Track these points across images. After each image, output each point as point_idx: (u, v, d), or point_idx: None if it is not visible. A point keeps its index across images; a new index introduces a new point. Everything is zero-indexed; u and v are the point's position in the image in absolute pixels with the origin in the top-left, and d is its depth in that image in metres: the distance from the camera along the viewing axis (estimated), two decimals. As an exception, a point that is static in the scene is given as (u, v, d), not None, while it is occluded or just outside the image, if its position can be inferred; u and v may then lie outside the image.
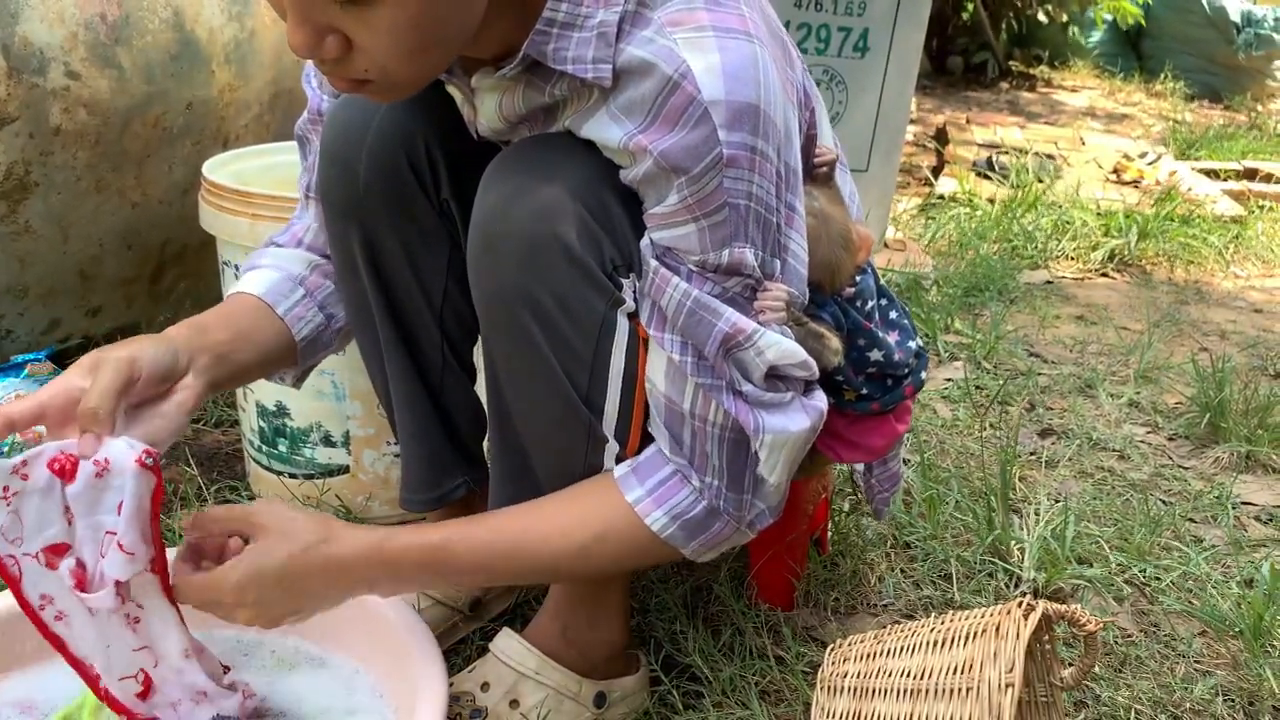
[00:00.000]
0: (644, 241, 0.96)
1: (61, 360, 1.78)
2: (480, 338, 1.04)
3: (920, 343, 1.16)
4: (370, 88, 0.89)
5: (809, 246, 1.01)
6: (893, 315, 1.15)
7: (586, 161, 0.94)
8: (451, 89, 1.03)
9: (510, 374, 1.01)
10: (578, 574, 1.08)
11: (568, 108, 0.95)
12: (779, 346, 0.95)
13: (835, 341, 1.04)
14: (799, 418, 0.99)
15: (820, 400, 1.02)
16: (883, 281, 1.17)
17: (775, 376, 0.98)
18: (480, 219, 0.97)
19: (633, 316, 0.97)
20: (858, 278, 1.10)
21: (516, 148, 0.99)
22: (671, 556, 1.04)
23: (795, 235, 0.98)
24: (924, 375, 1.16)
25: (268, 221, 1.43)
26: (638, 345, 0.98)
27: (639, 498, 1.00)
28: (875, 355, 1.10)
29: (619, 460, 1.03)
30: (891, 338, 1.13)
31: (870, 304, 1.12)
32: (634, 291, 0.97)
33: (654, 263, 0.95)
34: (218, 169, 1.59)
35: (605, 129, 0.92)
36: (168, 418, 0.97)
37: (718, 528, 1.02)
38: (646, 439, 1.03)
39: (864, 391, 1.12)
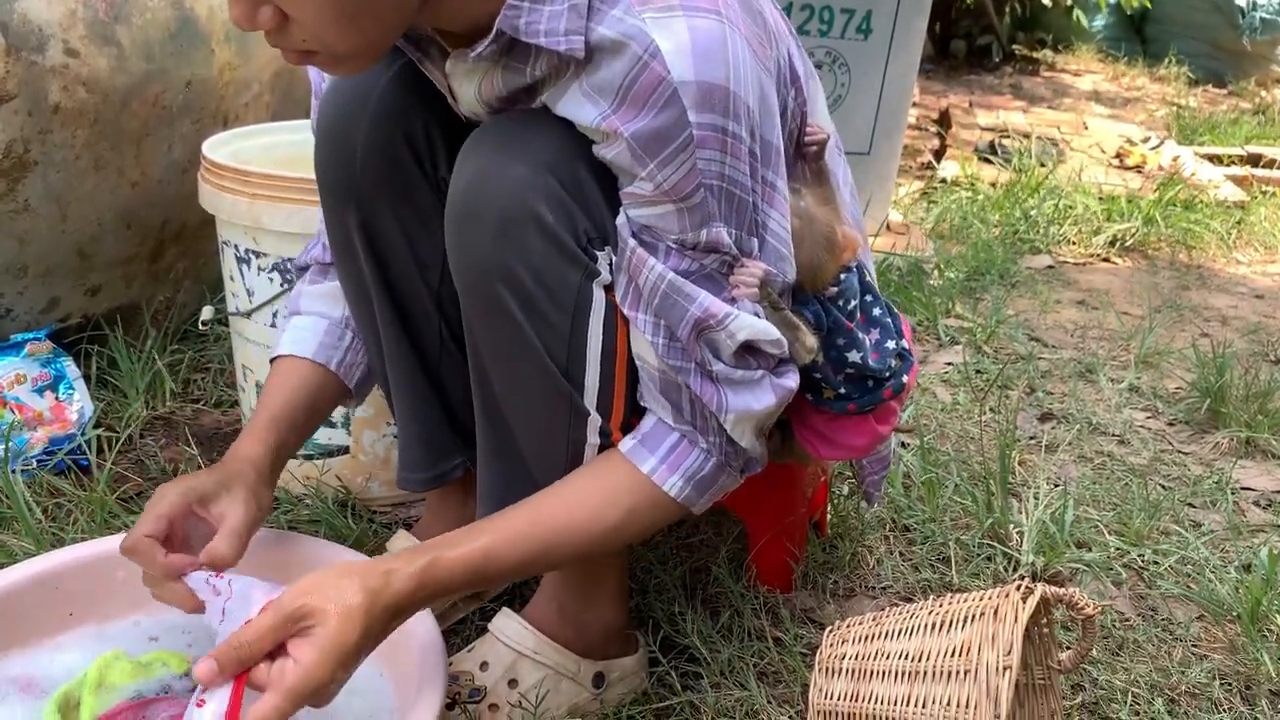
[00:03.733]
0: (620, 219, 0.96)
1: (60, 339, 1.77)
2: (462, 314, 1.04)
3: (904, 345, 1.15)
4: (317, 59, 0.90)
5: (794, 248, 1.01)
6: (875, 313, 1.14)
7: (559, 135, 0.94)
8: (428, 73, 1.02)
9: (490, 349, 1.02)
10: (609, 551, 1.09)
11: (545, 86, 0.95)
12: (751, 328, 0.96)
13: (810, 340, 1.04)
14: (765, 396, 1.00)
15: (790, 379, 1.02)
16: (869, 278, 1.16)
17: (747, 352, 0.98)
18: (455, 195, 0.97)
19: (609, 289, 0.98)
20: (841, 276, 1.10)
21: (490, 124, 0.99)
22: (684, 514, 1.06)
23: (775, 213, 0.98)
24: (906, 379, 1.14)
25: (267, 201, 1.43)
26: (615, 318, 0.98)
27: (654, 467, 1.01)
28: (853, 356, 1.09)
29: (602, 433, 1.03)
30: (871, 336, 1.12)
31: (853, 303, 1.11)
32: (610, 264, 0.97)
33: (631, 241, 0.95)
34: (217, 148, 1.59)
35: (580, 108, 0.92)
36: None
37: (724, 480, 1.04)
38: (630, 410, 1.04)
39: (842, 391, 1.11)
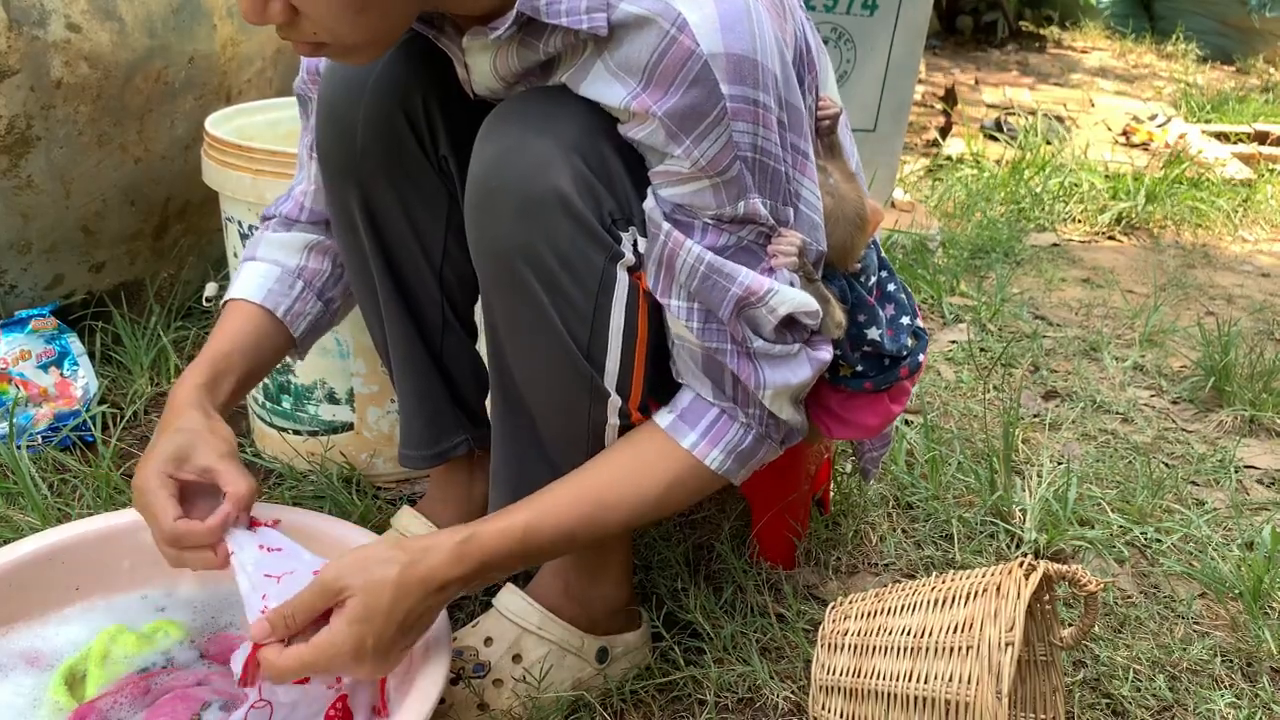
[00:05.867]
0: (649, 203, 0.95)
1: (65, 316, 1.78)
2: (480, 294, 1.04)
3: (919, 323, 1.15)
4: (327, 50, 0.90)
5: (826, 228, 1.01)
6: (890, 288, 1.14)
7: (583, 114, 0.93)
8: (443, 49, 1.02)
9: (510, 329, 1.01)
10: (651, 523, 1.10)
11: (563, 63, 0.94)
12: (792, 301, 0.96)
13: (839, 315, 1.04)
14: (802, 369, 1.00)
15: (824, 351, 1.02)
16: (883, 253, 1.16)
17: (785, 326, 0.98)
18: (477, 173, 0.96)
19: (632, 270, 0.97)
20: (863, 252, 1.10)
21: (513, 101, 0.98)
22: (724, 485, 1.07)
23: (806, 181, 0.98)
24: (921, 358, 1.15)
25: (270, 177, 1.43)
26: (638, 299, 0.98)
27: (695, 442, 1.01)
28: (873, 334, 1.09)
29: (621, 414, 1.03)
30: (886, 312, 1.12)
31: (872, 279, 1.11)
32: (633, 245, 0.96)
33: (665, 225, 0.94)
34: (220, 124, 1.58)
35: (606, 88, 0.91)
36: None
37: (764, 452, 1.05)
38: (649, 392, 1.04)
39: (859, 369, 1.11)
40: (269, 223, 1.26)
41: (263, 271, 1.21)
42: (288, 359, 1.27)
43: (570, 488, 1.01)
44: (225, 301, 1.20)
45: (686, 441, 1.01)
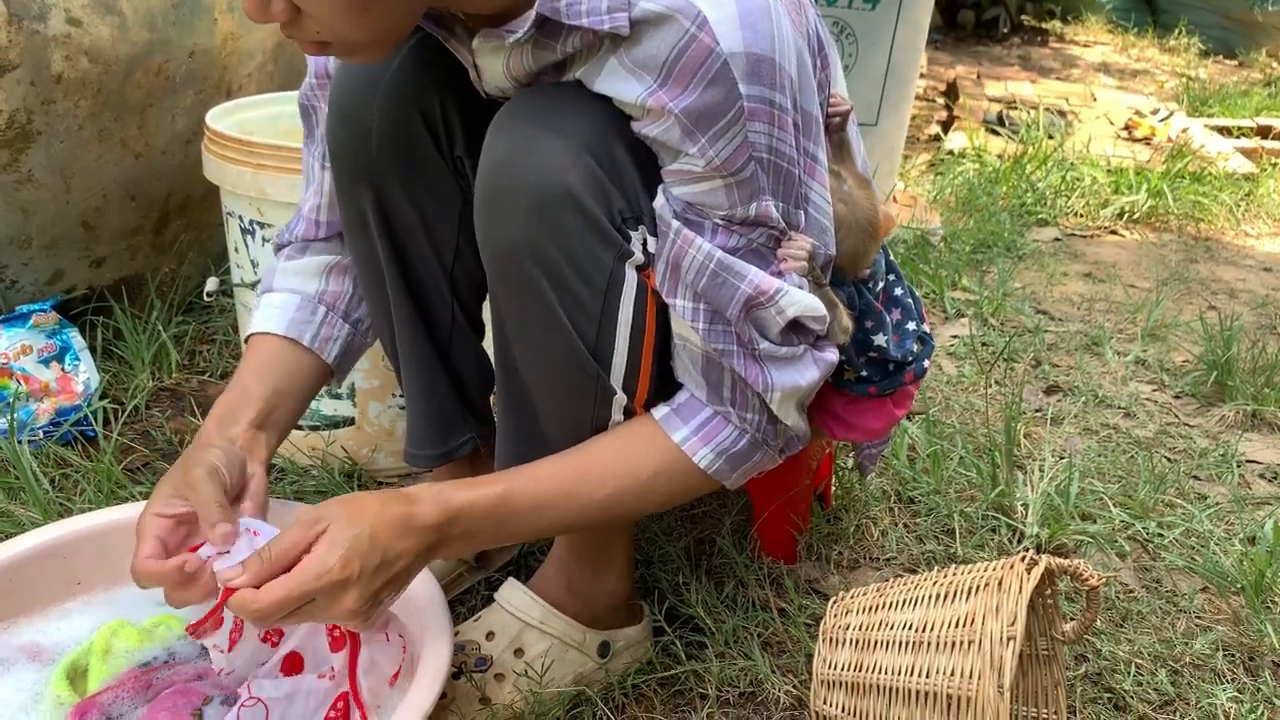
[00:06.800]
0: (659, 202, 0.95)
1: (65, 311, 1.78)
2: (487, 291, 1.03)
3: (925, 328, 1.15)
4: (332, 49, 0.89)
5: (837, 235, 1.01)
6: (897, 292, 1.14)
7: (594, 112, 0.93)
8: (454, 50, 1.01)
9: (517, 327, 1.01)
10: (633, 512, 1.09)
11: (577, 61, 0.94)
12: (800, 303, 0.96)
13: (847, 320, 1.04)
14: (809, 371, 1.00)
15: (830, 353, 1.02)
16: (891, 256, 1.16)
17: (791, 329, 0.98)
18: (487, 171, 0.96)
19: (641, 269, 0.97)
20: (873, 257, 1.09)
21: (523, 98, 0.97)
22: (715, 487, 1.06)
23: (816, 186, 0.98)
24: (926, 364, 1.15)
25: (271, 171, 1.42)
26: (646, 297, 0.98)
27: (685, 437, 1.01)
28: (879, 339, 1.09)
29: (626, 412, 1.03)
30: (893, 316, 1.12)
31: (880, 284, 1.11)
32: (643, 244, 0.96)
33: (675, 223, 0.93)
34: (221, 118, 1.58)
35: (622, 84, 0.90)
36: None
37: (758, 457, 1.04)
38: (655, 390, 1.04)
39: (863, 374, 1.11)
40: (283, 251, 1.24)
41: (280, 302, 1.19)
42: (329, 386, 1.26)
43: (555, 461, 1.01)
44: (247, 338, 1.19)
45: (677, 436, 1.01)
